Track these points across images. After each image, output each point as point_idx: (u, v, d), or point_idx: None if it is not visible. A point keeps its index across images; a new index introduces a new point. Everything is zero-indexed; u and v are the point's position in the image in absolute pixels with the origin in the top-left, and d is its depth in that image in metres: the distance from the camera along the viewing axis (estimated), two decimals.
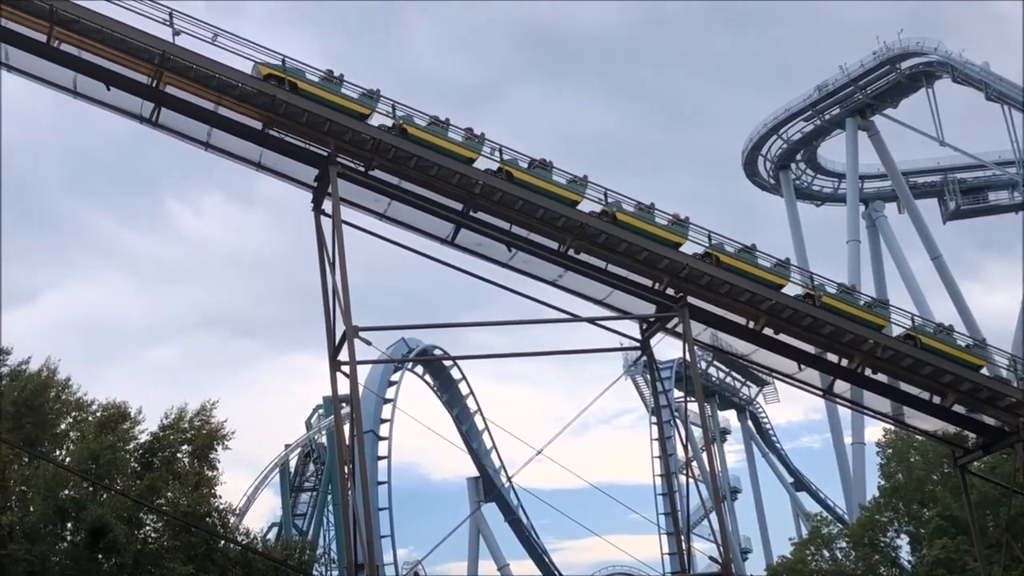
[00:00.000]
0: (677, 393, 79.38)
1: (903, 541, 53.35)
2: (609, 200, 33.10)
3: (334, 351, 30.53)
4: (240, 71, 30.09)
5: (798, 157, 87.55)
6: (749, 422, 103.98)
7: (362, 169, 31.30)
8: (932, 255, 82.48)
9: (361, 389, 31.15)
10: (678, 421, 54.96)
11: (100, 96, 30.27)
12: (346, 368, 29.66)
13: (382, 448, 69.38)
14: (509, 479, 67.77)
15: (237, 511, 51.64)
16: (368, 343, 29.80)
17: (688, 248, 33.65)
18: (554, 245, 32.95)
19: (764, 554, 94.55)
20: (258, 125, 30.64)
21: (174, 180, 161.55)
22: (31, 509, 37.84)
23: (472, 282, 33.92)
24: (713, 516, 34.27)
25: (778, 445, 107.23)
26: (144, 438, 42.25)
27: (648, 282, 33.68)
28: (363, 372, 43.18)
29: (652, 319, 34.43)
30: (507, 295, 34.12)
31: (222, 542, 41.02)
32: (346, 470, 31.04)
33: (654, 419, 67.99)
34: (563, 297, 34.29)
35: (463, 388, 77.30)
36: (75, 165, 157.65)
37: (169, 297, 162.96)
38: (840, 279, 37.28)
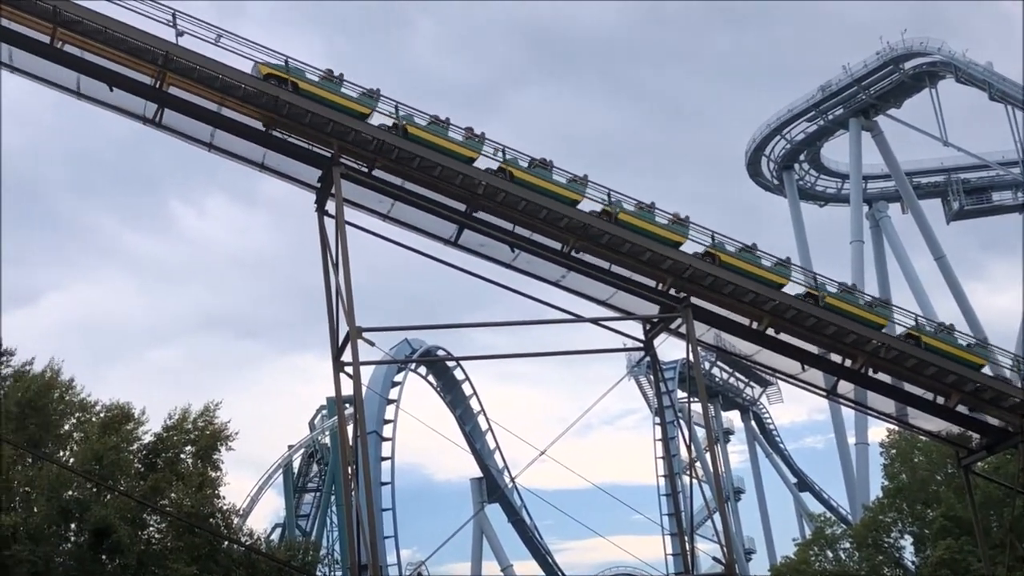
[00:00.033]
0: (680, 394, 79.29)
1: (907, 542, 53.35)
2: (611, 200, 33.09)
3: (337, 352, 30.54)
4: (243, 72, 30.13)
5: (802, 157, 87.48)
6: (752, 422, 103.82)
7: (365, 170, 31.31)
8: (936, 255, 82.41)
9: (364, 390, 31.21)
10: (681, 422, 54.87)
11: (103, 97, 30.30)
12: (349, 369, 29.69)
13: (385, 449, 69.38)
14: (512, 480, 67.86)
15: (241, 512, 51.67)
16: (371, 344, 29.80)
17: (689, 247, 33.65)
18: (557, 246, 32.95)
19: (768, 555, 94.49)
20: (261, 126, 30.66)
21: (177, 181, 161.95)
22: (35, 510, 37.85)
23: (475, 283, 34.01)
24: (717, 517, 34.30)
25: (782, 445, 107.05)
26: (148, 439, 42.27)
27: (651, 283, 33.68)
28: (366, 373, 43.43)
29: (655, 320, 34.42)
30: (510, 296, 34.18)
31: (226, 543, 41.02)
32: (349, 471, 31.01)
33: (657, 420, 67.82)
34: (566, 298, 34.34)
35: (466, 389, 77.28)
36: (78, 166, 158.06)
37: (172, 298, 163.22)
38: (844, 280, 37.21)
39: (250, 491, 73.98)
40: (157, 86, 29.70)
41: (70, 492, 38.39)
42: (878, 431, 76.43)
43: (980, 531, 40.40)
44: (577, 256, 33.06)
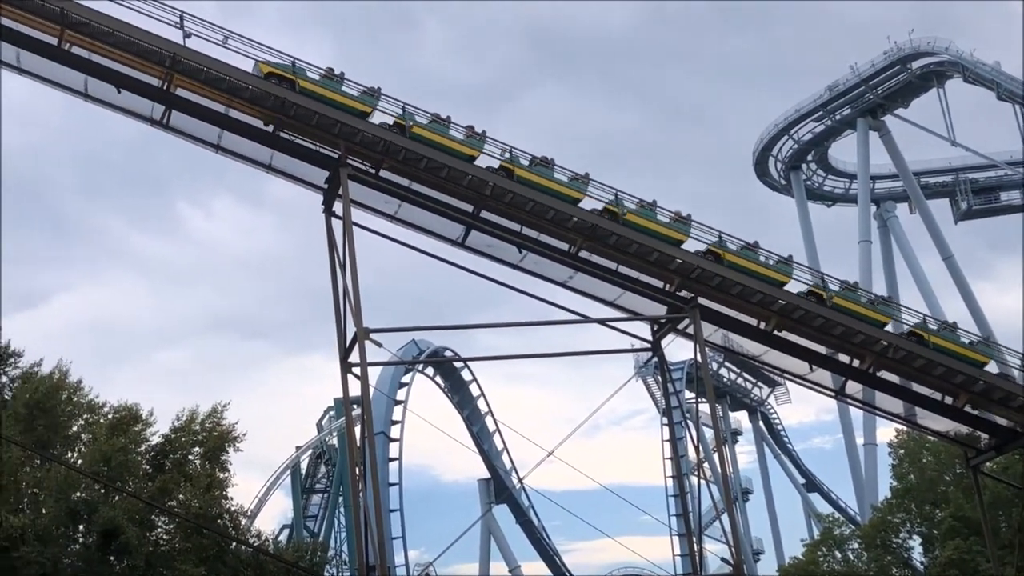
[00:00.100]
0: (688, 394, 79.30)
1: (915, 542, 53.20)
2: (612, 198, 33.06)
3: (345, 353, 30.54)
4: (250, 73, 30.16)
5: (809, 157, 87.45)
6: (760, 423, 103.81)
7: (372, 171, 31.33)
8: (944, 255, 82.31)
9: (372, 391, 31.18)
10: (689, 422, 55.01)
11: (111, 99, 30.35)
12: (357, 370, 29.68)
13: (393, 450, 69.37)
14: (520, 480, 67.76)
15: (248, 513, 51.74)
16: (379, 345, 29.80)
17: (690, 245, 33.61)
18: (564, 246, 32.94)
19: (776, 555, 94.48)
20: (269, 127, 30.68)
21: (185, 182, 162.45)
22: (43, 511, 37.89)
23: (483, 284, 34.01)
24: (725, 517, 34.22)
25: (790, 446, 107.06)
26: (156, 440, 42.30)
27: (659, 283, 33.65)
28: (374, 374, 43.37)
29: (663, 320, 34.40)
30: (518, 297, 34.15)
31: (234, 544, 41.04)
32: (357, 472, 31.06)
33: (665, 420, 67.77)
34: (574, 298, 34.32)
35: (474, 389, 77.27)
36: (85, 168, 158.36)
37: (180, 299, 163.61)
38: (852, 280, 37.12)
39: (258, 492, 74.15)
40: (164, 88, 29.74)
41: (78, 493, 38.41)
42: (886, 431, 76.34)
43: (989, 531, 40.29)
44: (584, 257, 33.05)
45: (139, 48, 29.06)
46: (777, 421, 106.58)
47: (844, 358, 35.49)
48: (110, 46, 28.97)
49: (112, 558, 38.21)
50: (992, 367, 36.61)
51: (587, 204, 32.81)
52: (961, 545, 46.34)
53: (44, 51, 29.00)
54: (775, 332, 34.42)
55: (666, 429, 67.10)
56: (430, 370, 75.50)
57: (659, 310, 34.35)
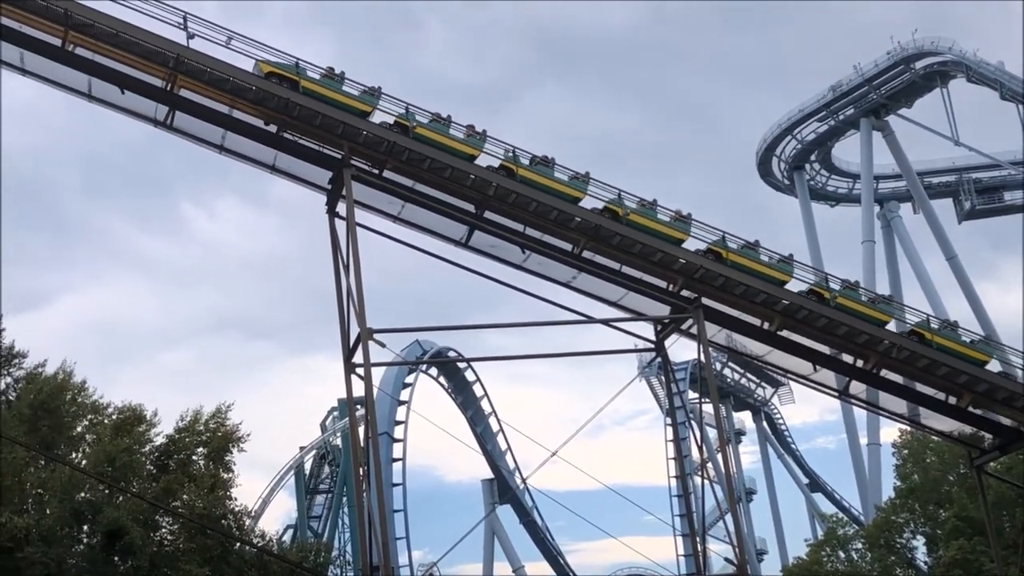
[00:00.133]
0: (692, 394, 79.18)
1: (919, 542, 53.26)
2: (612, 197, 33.07)
3: (349, 353, 30.56)
4: (254, 74, 30.18)
5: (812, 157, 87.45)
6: (764, 423, 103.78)
7: (376, 171, 31.35)
8: (947, 255, 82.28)
9: (376, 391, 31.20)
10: (693, 422, 54.79)
11: (115, 100, 30.39)
12: (361, 370, 29.68)
13: (397, 450, 69.43)
14: (524, 481, 67.93)
15: (252, 513, 51.71)
16: (382, 345, 29.82)
17: (691, 244, 33.61)
18: (568, 247, 32.94)
19: (780, 555, 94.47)
20: (272, 128, 30.70)
21: (188, 183, 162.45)
22: (47, 512, 37.94)
23: (486, 284, 33.99)
24: (728, 517, 34.24)
25: (793, 446, 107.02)
26: (160, 441, 42.36)
27: (662, 283, 33.64)
28: (377, 374, 43.45)
29: (667, 320, 34.38)
30: (521, 297, 34.14)
31: (238, 544, 41.07)
32: (361, 472, 31.04)
33: (669, 420, 67.79)
34: (577, 299, 34.32)
35: (477, 390, 77.32)
36: (89, 169, 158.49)
37: (183, 300, 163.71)
38: (853, 279, 37.10)
39: (262, 493, 74.17)
40: (168, 88, 29.77)
41: (82, 494, 38.46)
42: (890, 431, 76.40)
43: (992, 531, 40.27)
44: (588, 257, 33.05)
45: (143, 49, 29.10)
46: (781, 421, 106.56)
47: (848, 358, 35.45)
48: (114, 47, 29.01)
49: (116, 558, 38.26)
50: (995, 367, 36.59)
51: (588, 203, 32.84)
52: (965, 545, 46.32)
53: (48, 52, 29.05)
54: (778, 332, 34.41)
55: (670, 429, 67.23)
56: (434, 370, 75.57)
57: (663, 310, 34.34)
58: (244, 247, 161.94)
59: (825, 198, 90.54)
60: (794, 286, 34.42)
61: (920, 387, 36.24)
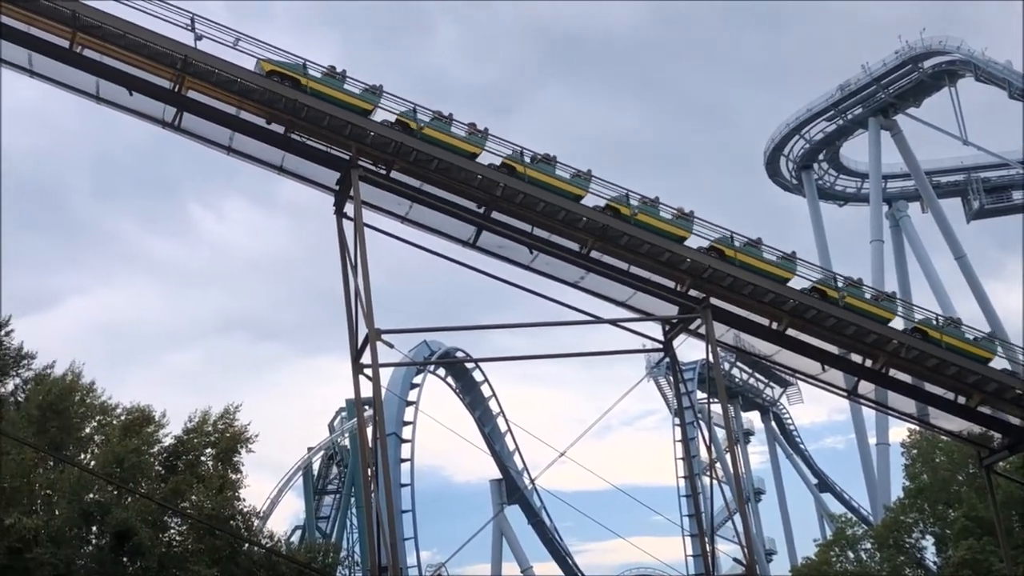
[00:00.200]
0: (700, 394, 79.39)
1: (928, 542, 53.11)
2: (614, 195, 33.04)
3: (357, 354, 30.54)
4: (260, 74, 30.18)
5: (820, 157, 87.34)
6: (773, 423, 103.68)
7: (383, 172, 31.34)
8: (956, 255, 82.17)
9: (384, 392, 31.17)
10: (701, 422, 54.98)
11: (123, 101, 30.39)
12: (369, 371, 29.66)
13: (405, 451, 69.46)
14: (532, 481, 67.77)
15: (261, 514, 51.83)
16: (390, 346, 29.79)
17: (693, 242, 33.57)
18: (575, 247, 32.91)
19: (788, 555, 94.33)
20: (280, 129, 30.71)
21: (196, 184, 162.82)
22: (56, 513, 38.02)
23: (494, 284, 33.94)
24: (737, 517, 34.20)
25: (802, 446, 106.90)
26: (168, 441, 42.44)
27: (670, 283, 33.60)
28: (385, 375, 43.42)
29: (675, 320, 34.33)
30: (529, 297, 34.10)
31: (246, 545, 41.12)
32: (369, 472, 31.07)
33: (677, 421, 67.73)
34: (585, 299, 34.28)
35: (485, 390, 77.32)
36: (97, 170, 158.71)
37: (191, 301, 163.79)
38: (864, 279, 37.02)
39: (270, 493, 74.22)
40: (176, 90, 29.79)
41: (91, 495, 38.52)
42: (899, 431, 76.20)
43: (1002, 531, 40.18)
44: (595, 257, 33.02)
45: (151, 50, 29.12)
46: (789, 421, 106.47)
47: (856, 358, 35.38)
48: (122, 48, 29.04)
49: (125, 559, 38.31)
50: (1004, 364, 36.48)
51: (589, 201, 32.81)
52: (974, 545, 46.23)
53: (56, 54, 29.07)
54: (787, 332, 34.35)
55: (678, 429, 67.02)
56: (442, 371, 75.59)
57: (671, 310, 34.29)
58: (252, 248, 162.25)
59: (833, 197, 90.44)
60: (797, 283, 34.39)
61: (929, 387, 36.15)
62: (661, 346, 35.17)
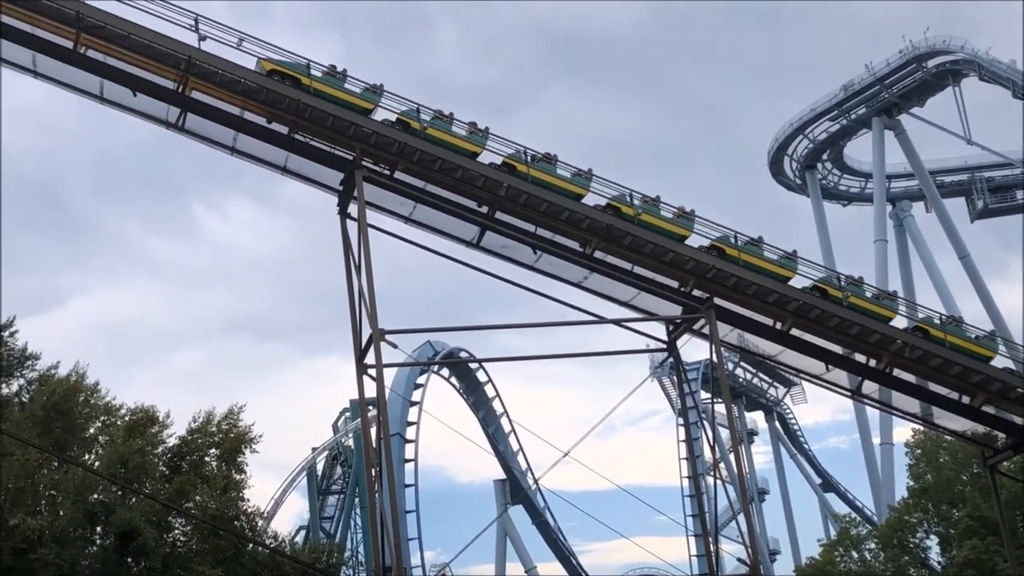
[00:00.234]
0: (704, 394, 79.17)
1: (932, 542, 53.12)
2: (615, 194, 33.05)
3: (361, 354, 30.56)
4: (262, 75, 30.18)
5: (824, 157, 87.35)
6: (776, 423, 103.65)
7: (387, 172, 31.35)
8: (960, 254, 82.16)
9: (388, 392, 31.17)
10: (705, 422, 54.86)
11: (126, 102, 30.41)
12: (373, 371, 29.67)
13: (409, 451, 69.50)
14: (536, 481, 67.87)
15: (265, 514, 51.85)
16: (394, 346, 29.81)
17: (694, 241, 33.57)
18: (579, 247, 32.91)
19: (792, 555, 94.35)
20: (284, 129, 30.73)
21: (200, 185, 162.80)
22: (60, 513, 38.06)
23: (498, 285, 33.92)
24: (741, 518, 34.14)
25: (806, 446, 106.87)
26: (172, 442, 42.49)
27: (674, 283, 33.60)
28: (389, 375, 43.45)
29: (678, 320, 34.33)
30: (533, 297, 34.11)
31: (250, 545, 41.14)
32: (373, 473, 31.06)
33: (681, 421, 67.87)
34: (589, 299, 34.29)
35: (489, 390, 77.34)
36: (101, 171, 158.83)
37: (195, 301, 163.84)
38: (868, 279, 37.01)
39: (274, 494, 74.23)
40: (180, 90, 29.80)
41: (96, 495, 38.56)
42: (903, 431, 76.43)
43: (1006, 531, 40.17)
44: (599, 257, 33.02)
45: (154, 51, 29.14)
46: (793, 421, 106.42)
47: (860, 357, 35.37)
48: (126, 49, 29.06)
49: (129, 560, 38.36)
50: (1006, 363, 36.45)
51: (590, 200, 32.80)
52: (978, 545, 46.18)
53: (60, 55, 29.09)
54: (790, 332, 34.34)
55: (682, 429, 67.26)
56: (445, 371, 75.62)
57: (674, 310, 34.30)
58: (256, 249, 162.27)
59: (837, 197, 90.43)
60: (798, 282, 34.39)
61: (933, 386, 36.14)
62: (665, 346, 35.17)
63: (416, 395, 71.09)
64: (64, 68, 29.56)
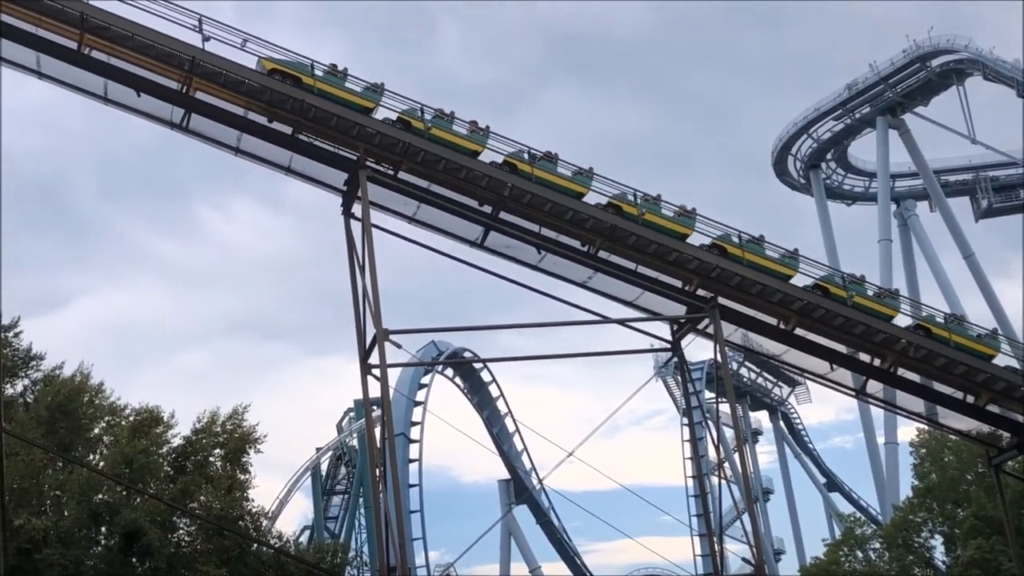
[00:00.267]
0: (708, 394, 79.17)
1: (937, 542, 52.98)
2: (616, 192, 33.04)
3: (365, 354, 30.56)
4: (263, 74, 30.17)
5: (828, 156, 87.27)
6: (781, 423, 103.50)
7: (391, 172, 31.36)
8: (964, 254, 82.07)
9: (392, 392, 31.19)
10: (709, 422, 54.85)
11: (131, 102, 30.42)
12: (377, 371, 29.67)
13: (413, 451, 69.52)
14: (540, 481, 67.78)
15: (269, 514, 51.84)
16: (398, 346, 29.81)
17: (695, 239, 33.56)
18: (583, 247, 32.90)
19: (797, 555, 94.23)
20: (287, 130, 30.74)
21: (204, 185, 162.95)
22: (65, 513, 38.10)
23: (502, 285, 33.94)
24: (745, 517, 34.19)
25: (810, 445, 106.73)
26: (177, 442, 42.52)
27: (678, 283, 33.59)
28: (394, 375, 43.46)
29: (683, 320, 34.32)
30: (537, 297, 34.11)
31: (255, 545, 41.16)
32: (377, 473, 31.06)
33: (685, 420, 67.68)
34: (593, 299, 34.27)
35: (493, 390, 77.30)
36: (105, 171, 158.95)
37: (199, 302, 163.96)
38: (872, 279, 36.99)
39: (279, 494, 74.37)
40: (184, 91, 29.81)
41: (100, 495, 38.61)
42: (907, 430, 75.99)
43: (1011, 531, 40.08)
44: (603, 257, 33.01)
45: (158, 52, 29.14)
46: (797, 420, 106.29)
47: (865, 357, 35.35)
48: (130, 50, 29.06)
49: (134, 560, 38.40)
50: (1009, 361, 36.43)
51: (591, 198, 32.78)
52: (983, 544, 46.13)
53: (64, 55, 29.11)
54: (795, 331, 34.32)
55: (686, 429, 66.90)
56: (449, 371, 75.64)
57: (679, 310, 34.28)
58: (259, 249, 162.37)
59: (841, 197, 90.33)
60: (799, 280, 34.37)
61: (938, 386, 36.11)
62: (669, 346, 35.16)
63: (420, 395, 71.07)
64: (68, 69, 29.58)
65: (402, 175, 31.41)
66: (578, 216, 32.09)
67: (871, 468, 78.36)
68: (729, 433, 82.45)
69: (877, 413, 74.33)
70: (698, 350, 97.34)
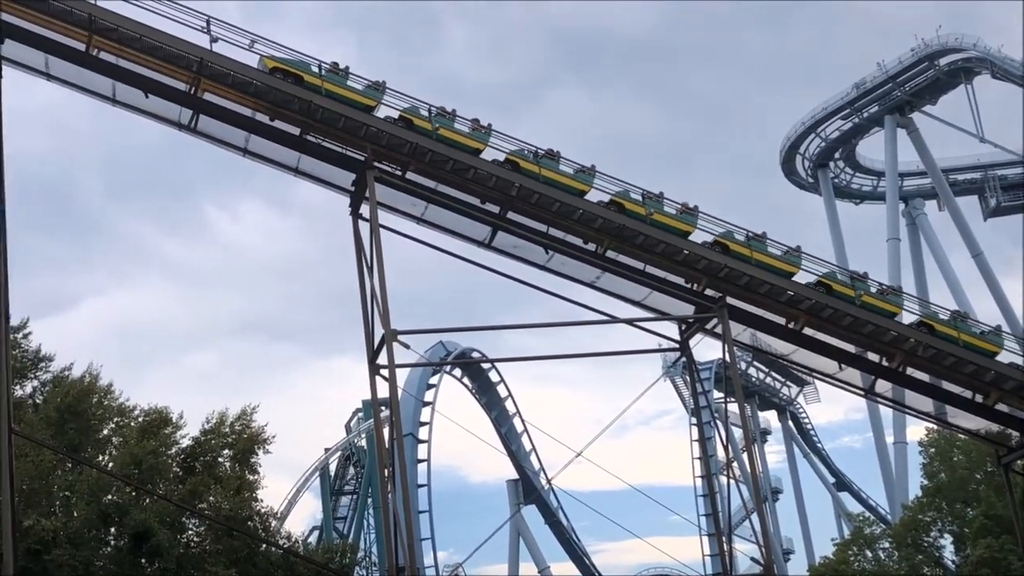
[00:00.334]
0: (717, 394, 79.05)
1: (947, 541, 52.98)
2: (618, 190, 33.03)
3: (373, 355, 30.60)
4: (265, 72, 30.20)
5: (836, 155, 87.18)
6: (790, 422, 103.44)
7: (399, 173, 31.38)
8: (973, 252, 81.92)
9: (400, 392, 31.20)
10: (718, 422, 54.84)
11: (139, 104, 30.51)
12: (385, 371, 29.72)
13: (421, 451, 69.55)
14: (549, 481, 67.90)
15: (278, 515, 51.82)
16: (407, 346, 29.87)
17: (697, 236, 33.52)
18: (591, 247, 32.91)
19: (806, 555, 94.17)
20: (295, 130, 30.78)
21: (211, 186, 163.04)
22: (75, 514, 38.11)
23: (510, 285, 33.96)
24: (754, 517, 34.14)
25: (819, 445, 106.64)
26: (186, 443, 42.48)
27: (686, 283, 33.58)
28: (402, 375, 43.42)
29: (691, 320, 34.32)
30: (545, 297, 34.15)
31: (264, 546, 41.16)
32: (386, 473, 31.10)
33: (694, 420, 67.74)
34: (601, 299, 34.28)
35: (501, 390, 77.31)
36: (113, 172, 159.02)
37: (207, 302, 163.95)
38: (880, 277, 36.97)
39: (287, 494, 74.27)
40: (192, 92, 29.87)
41: (109, 496, 38.62)
42: (916, 430, 76.13)
43: (1020, 530, 39.97)
44: (611, 257, 33.01)
45: (166, 53, 29.21)
46: (806, 420, 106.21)
47: (873, 356, 35.32)
48: (138, 51, 29.13)
49: (143, 560, 38.38)
50: (1013, 359, 36.36)
51: (593, 196, 32.78)
52: (993, 544, 46.05)
53: (73, 57, 29.18)
54: (803, 331, 34.29)
55: (695, 429, 67.14)
56: (458, 371, 75.62)
57: (687, 310, 34.29)
58: (268, 249, 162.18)
59: (849, 196, 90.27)
60: (802, 277, 34.34)
61: (946, 385, 36.07)
62: (677, 346, 35.17)
63: (428, 395, 71.16)
64: (76, 70, 29.65)
65: (410, 175, 31.45)
66: (586, 216, 32.09)
67: (880, 468, 78.26)
68: (738, 433, 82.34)
69: (886, 412, 74.28)
70: (706, 350, 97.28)
